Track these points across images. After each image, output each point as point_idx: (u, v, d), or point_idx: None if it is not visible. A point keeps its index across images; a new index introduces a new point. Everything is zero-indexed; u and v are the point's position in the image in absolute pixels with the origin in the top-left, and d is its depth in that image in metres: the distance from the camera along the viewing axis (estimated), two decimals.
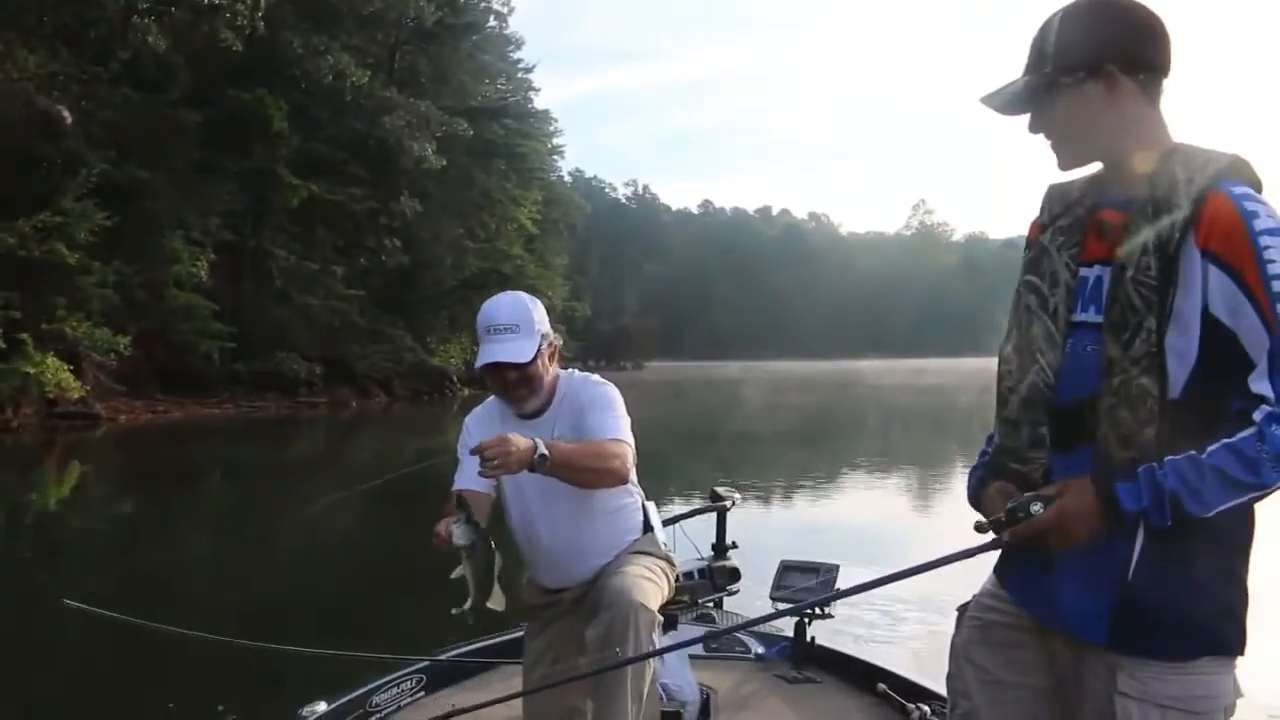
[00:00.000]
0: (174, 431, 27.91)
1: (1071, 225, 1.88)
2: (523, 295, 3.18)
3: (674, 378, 77.71)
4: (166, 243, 31.70)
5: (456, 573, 2.74)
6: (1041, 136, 1.89)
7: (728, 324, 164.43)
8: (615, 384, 3.25)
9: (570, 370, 3.27)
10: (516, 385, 3.06)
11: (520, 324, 3.03)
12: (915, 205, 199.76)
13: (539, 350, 3.05)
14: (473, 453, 2.67)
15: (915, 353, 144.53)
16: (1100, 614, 1.75)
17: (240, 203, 37.04)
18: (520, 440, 2.69)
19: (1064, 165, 1.90)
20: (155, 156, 31.74)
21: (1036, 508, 1.72)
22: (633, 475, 3.24)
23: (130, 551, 10.81)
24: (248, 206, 37.73)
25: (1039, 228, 1.95)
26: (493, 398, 3.27)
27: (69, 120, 27.96)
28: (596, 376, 3.28)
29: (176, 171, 32.88)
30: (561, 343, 3.22)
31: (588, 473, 2.92)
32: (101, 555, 10.63)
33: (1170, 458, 1.62)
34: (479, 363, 3.05)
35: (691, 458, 19.71)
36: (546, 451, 2.71)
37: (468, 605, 2.75)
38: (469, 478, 2.87)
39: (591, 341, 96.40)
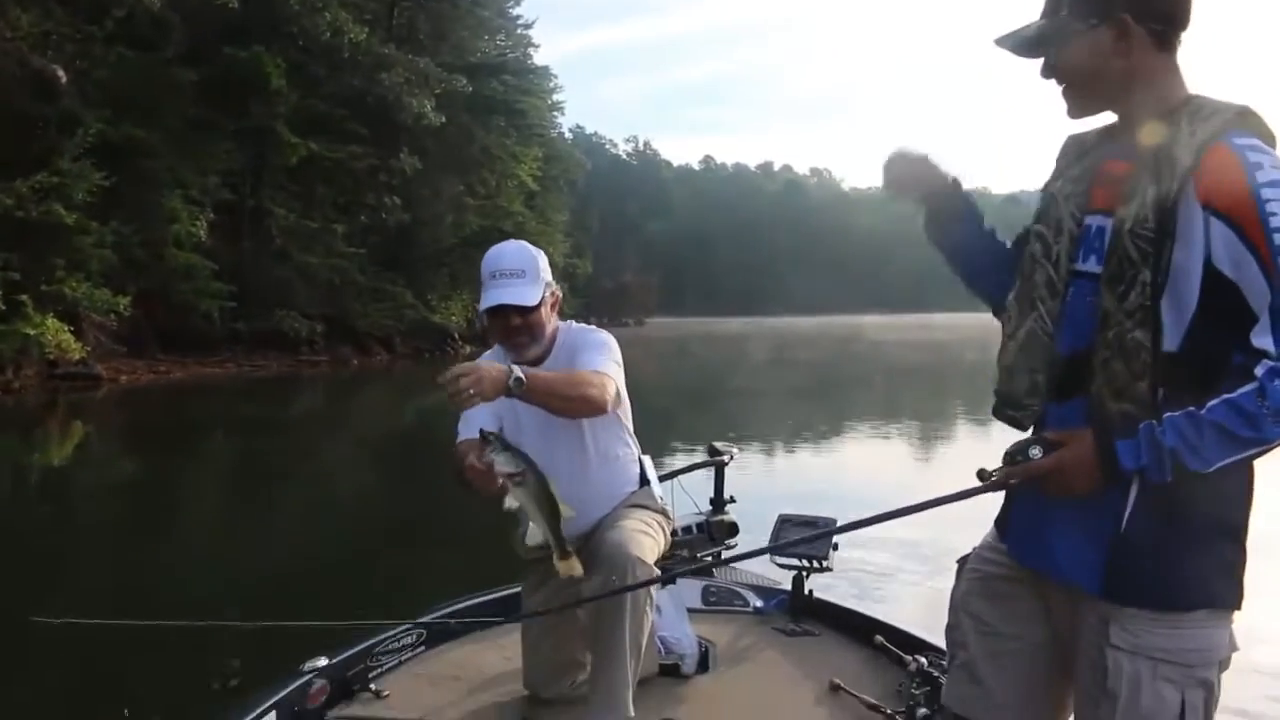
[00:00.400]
0: (176, 391, 27.91)
1: (1081, 175, 1.87)
2: (527, 244, 3.21)
3: (676, 334, 77.81)
4: (165, 202, 31.42)
5: (509, 503, 2.70)
6: (1054, 83, 1.88)
7: (729, 280, 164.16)
8: (618, 340, 3.26)
9: (569, 322, 3.30)
10: (519, 331, 3.08)
11: (525, 269, 3.07)
12: None
13: (542, 298, 3.08)
14: (441, 380, 2.59)
15: (916, 308, 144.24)
16: (1094, 563, 1.76)
17: (238, 161, 36.69)
18: (492, 365, 2.68)
19: (1073, 113, 1.89)
20: (152, 115, 31.38)
21: (1035, 451, 1.73)
22: (629, 426, 3.32)
23: (132, 514, 10.86)
24: (246, 165, 37.39)
25: (1052, 177, 1.95)
26: (491, 351, 3.28)
27: (64, 80, 27.65)
28: (592, 326, 3.32)
29: (173, 130, 32.53)
30: (561, 295, 3.26)
31: (567, 400, 2.87)
32: (103, 518, 10.63)
33: (1169, 414, 1.62)
34: (483, 305, 3.06)
35: (695, 413, 19.83)
36: (522, 375, 2.66)
37: (537, 536, 2.75)
38: (473, 429, 2.84)
39: (593, 298, 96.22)
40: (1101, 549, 1.75)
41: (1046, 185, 1.95)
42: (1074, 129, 1.96)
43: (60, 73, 27.57)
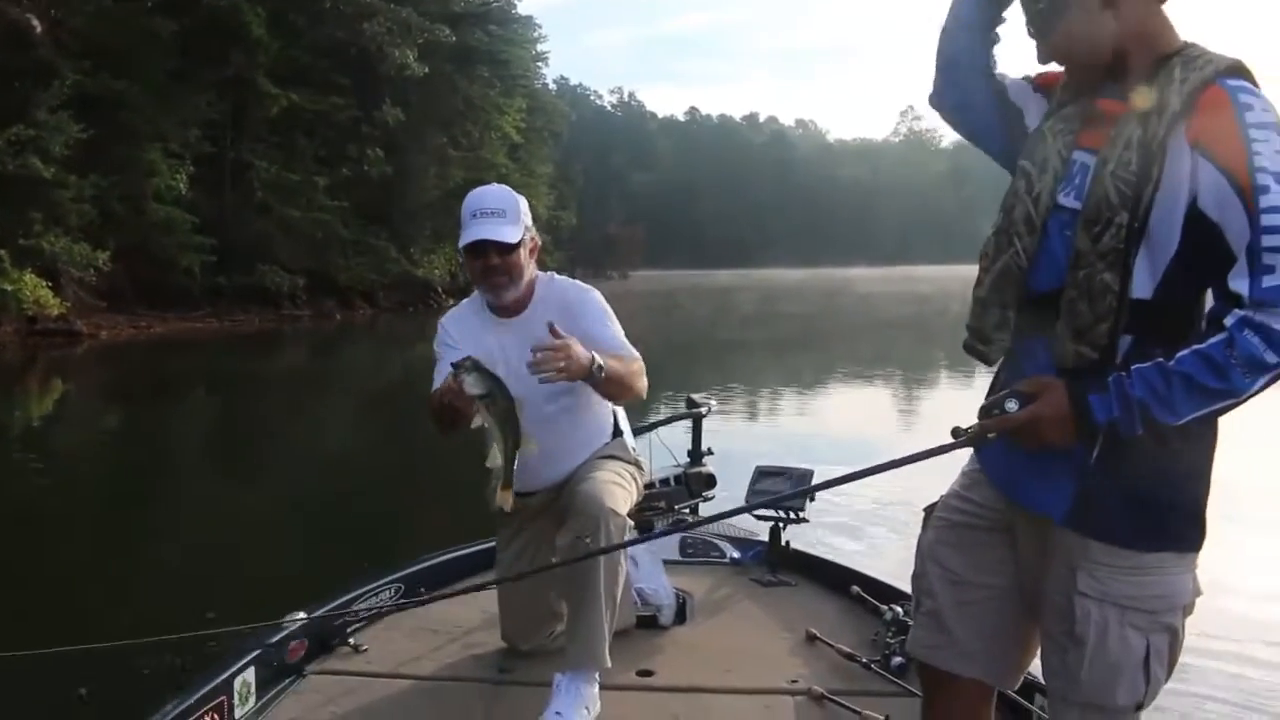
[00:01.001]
0: (157, 346, 27.74)
1: (1074, 113, 1.86)
2: (508, 187, 3.22)
3: (663, 287, 77.73)
4: (144, 155, 31.18)
5: (477, 422, 2.76)
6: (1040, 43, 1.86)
7: (714, 233, 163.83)
8: (604, 294, 3.26)
9: (550, 273, 3.31)
10: (498, 271, 3.07)
11: (506, 210, 3.07)
12: (904, 111, 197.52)
13: (522, 239, 3.09)
14: (534, 360, 2.70)
15: (902, 260, 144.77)
16: (1061, 492, 1.77)
17: (219, 113, 36.37)
18: (580, 349, 2.77)
19: (1081, 86, 1.87)
20: (130, 66, 31.09)
21: (1011, 405, 1.73)
22: None
23: (114, 471, 10.79)
24: (227, 117, 37.02)
25: (1046, 115, 1.93)
26: (468, 301, 3.32)
27: (39, 29, 27.27)
28: (577, 281, 3.32)
29: (153, 82, 32.21)
30: (540, 244, 3.27)
31: (625, 388, 3.01)
32: (84, 476, 10.47)
33: (1137, 366, 1.63)
34: (463, 241, 3.06)
35: (684, 366, 19.84)
36: (603, 363, 2.81)
37: (497, 459, 2.76)
38: (448, 374, 2.85)
39: (577, 250, 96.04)
40: (1071, 481, 1.76)
41: (1040, 122, 1.93)
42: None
43: (35, 22, 27.17)
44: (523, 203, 3.15)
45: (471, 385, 2.65)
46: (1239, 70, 1.67)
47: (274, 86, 37.06)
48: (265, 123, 38.41)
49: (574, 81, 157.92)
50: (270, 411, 15.95)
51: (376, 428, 13.78)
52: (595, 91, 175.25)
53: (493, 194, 3.14)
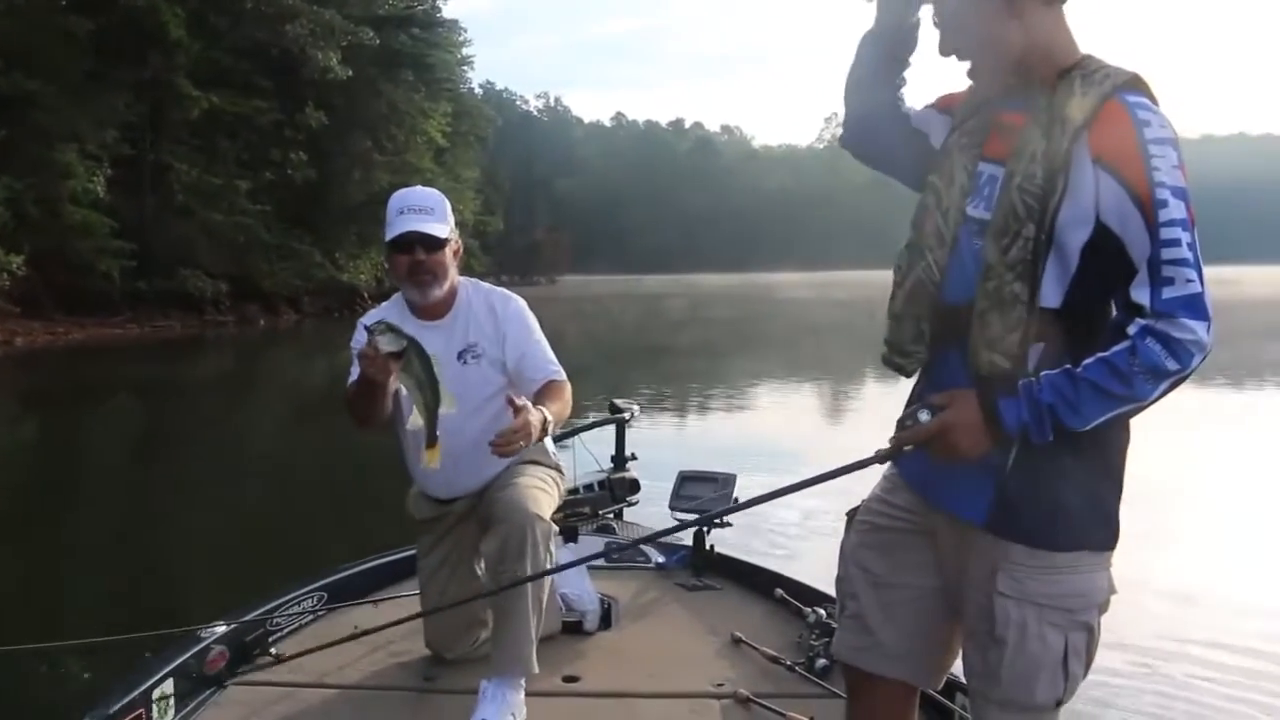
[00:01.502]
0: (75, 353, 27.14)
1: (977, 127, 1.89)
2: (435, 190, 3.26)
3: (591, 293, 77.65)
4: (59, 157, 30.38)
5: (394, 384, 2.79)
6: (954, 59, 1.89)
7: (640, 239, 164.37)
8: (528, 300, 3.30)
9: (473, 280, 3.34)
10: (424, 269, 3.09)
11: (434, 208, 3.12)
12: (828, 118, 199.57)
13: (449, 240, 3.13)
14: (498, 444, 2.77)
15: (827, 265, 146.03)
16: (981, 495, 1.80)
17: (137, 115, 35.58)
18: (535, 417, 2.81)
19: (984, 88, 1.90)
20: (44, 66, 30.27)
21: (924, 416, 1.78)
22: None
23: (28, 482, 10.50)
24: (146, 119, 36.22)
25: (949, 131, 1.96)
26: (389, 303, 3.32)
27: None
28: (500, 288, 3.34)
29: (68, 82, 31.38)
30: (463, 249, 3.29)
31: (561, 418, 3.06)
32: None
33: (1046, 373, 1.67)
34: (389, 235, 3.08)
35: (614, 371, 19.81)
36: (550, 418, 2.89)
37: (419, 422, 2.75)
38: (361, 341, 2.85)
39: (504, 256, 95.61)
40: (989, 486, 1.79)
41: (945, 139, 1.97)
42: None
43: None
44: (448, 204, 3.19)
45: (386, 344, 2.63)
46: (1137, 84, 1.71)
47: (194, 88, 36.32)
48: (186, 125, 37.63)
49: (500, 86, 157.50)
50: (191, 418, 15.64)
51: (299, 434, 13.60)
52: (521, 96, 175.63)
53: (420, 193, 3.18)
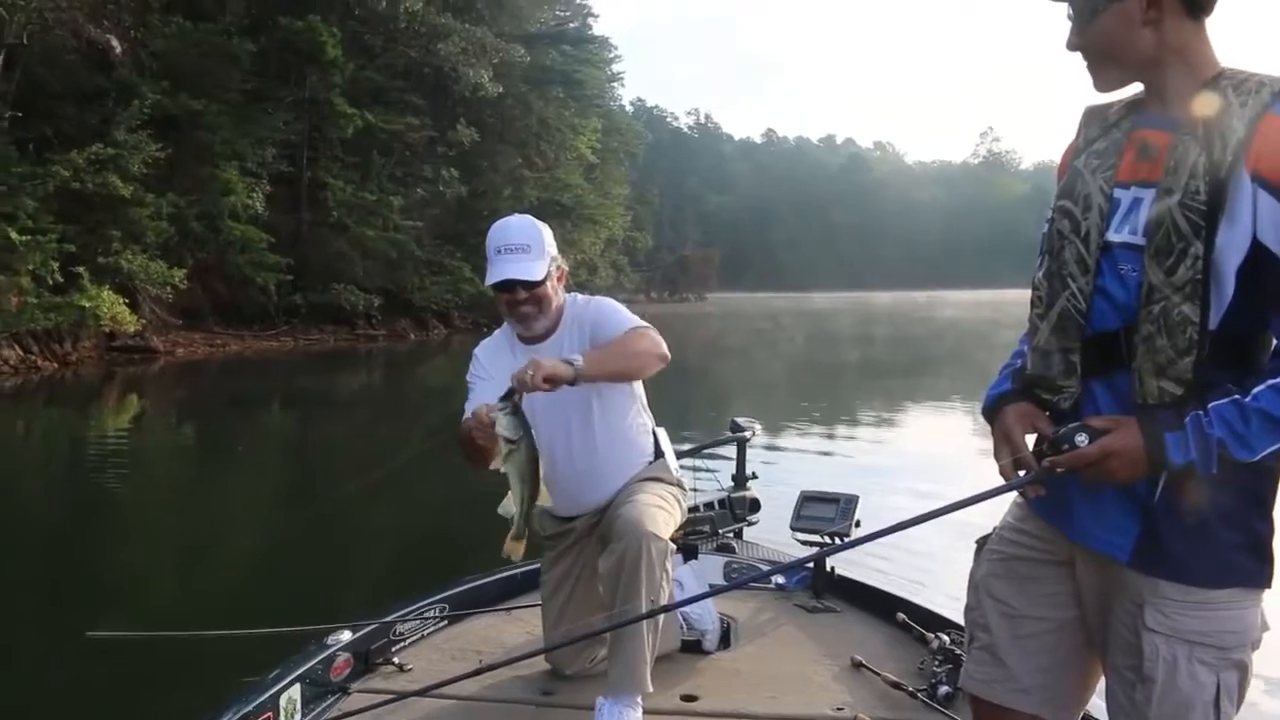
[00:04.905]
0: (232, 365, 27.92)
1: (1108, 148, 1.81)
2: (531, 218, 3.23)
3: (750, 310, 77.70)
4: (221, 174, 31.31)
5: (496, 465, 2.77)
6: (1079, 56, 1.82)
7: (789, 255, 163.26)
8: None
9: (574, 295, 3.34)
10: (525, 305, 3.12)
11: (530, 244, 3.11)
12: (983, 133, 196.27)
13: (548, 272, 3.13)
14: (506, 396, 2.72)
15: (983, 284, 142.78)
16: (1126, 533, 1.73)
17: (296, 133, 36.62)
18: (546, 360, 2.78)
19: (1100, 86, 1.83)
20: (208, 87, 31.34)
21: (1081, 439, 1.68)
22: (642, 399, 3.36)
23: (184, 490, 11.01)
24: (303, 137, 37.26)
25: (1074, 151, 1.90)
26: (500, 329, 3.37)
27: (119, 50, 27.61)
28: (596, 297, 3.35)
29: (230, 102, 32.49)
30: (567, 269, 3.29)
31: (627, 362, 3.04)
32: (155, 494, 10.71)
33: (1215, 404, 1.59)
34: (489, 280, 3.12)
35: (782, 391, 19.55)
36: (579, 359, 2.83)
37: (510, 507, 2.80)
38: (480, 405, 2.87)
39: (653, 272, 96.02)
40: (1135, 521, 1.72)
41: (1068, 159, 1.91)
42: (1097, 100, 1.89)
43: (115, 43, 27.49)
44: (546, 232, 3.18)
45: (505, 427, 2.67)
46: None
47: (349, 106, 37.19)
48: (340, 143, 38.53)
49: (650, 103, 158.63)
50: (339, 430, 16.07)
51: (440, 449, 13.49)
52: (672, 113, 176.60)
53: (515, 228, 3.16)
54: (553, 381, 2.73)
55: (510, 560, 3.01)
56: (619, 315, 3.17)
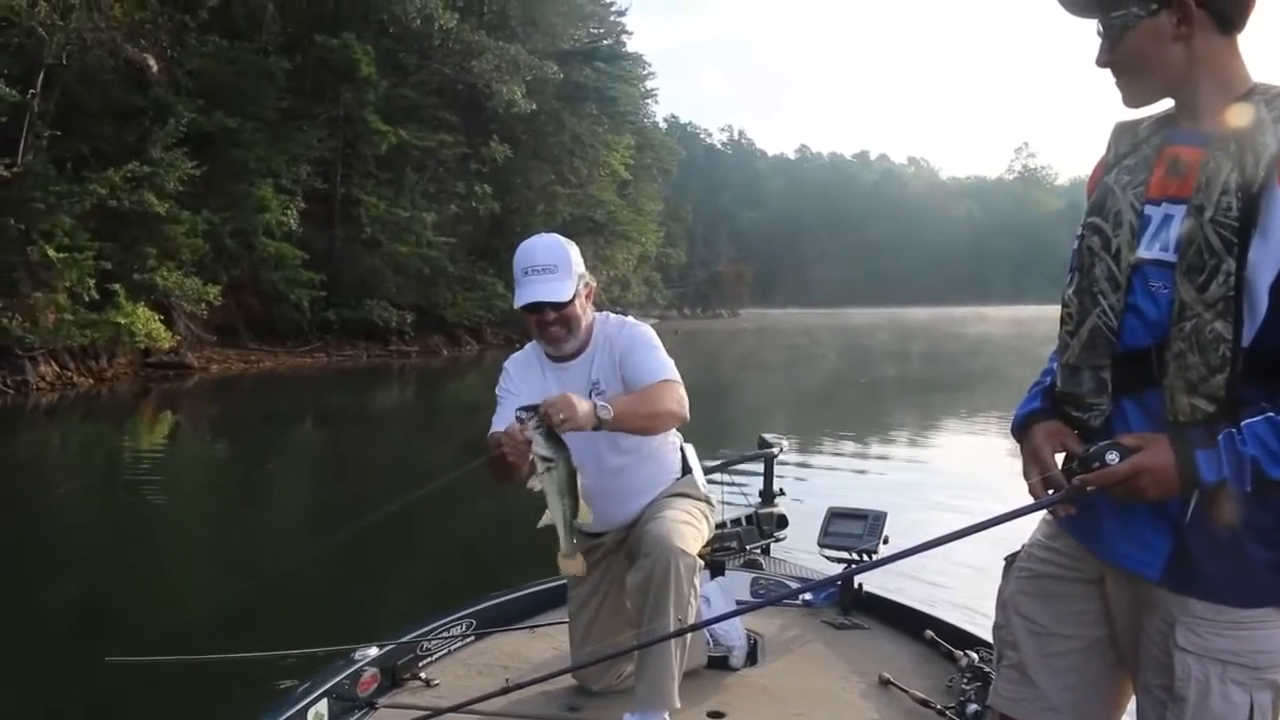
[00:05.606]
0: (266, 381, 28.05)
1: (1138, 164, 1.80)
2: (559, 237, 3.23)
3: (786, 326, 77.62)
4: (256, 191, 31.51)
5: (533, 484, 2.74)
6: (1109, 73, 1.81)
7: (823, 271, 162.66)
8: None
9: (605, 313, 3.35)
10: (554, 325, 3.12)
11: (558, 265, 3.10)
12: (1018, 148, 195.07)
13: (576, 291, 3.12)
14: (532, 414, 2.68)
15: (1017, 300, 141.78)
16: (1156, 551, 1.72)
17: (329, 150, 36.81)
18: (582, 401, 2.74)
19: (1130, 102, 1.82)
20: (244, 105, 31.58)
21: (1112, 456, 1.66)
22: None
23: (217, 504, 11.17)
24: (336, 154, 37.43)
25: (1104, 167, 1.89)
26: (532, 343, 3.36)
27: (155, 69, 27.86)
28: (631, 318, 3.35)
29: (265, 119, 32.73)
30: (595, 287, 3.28)
31: (651, 420, 3.00)
32: (188, 511, 10.76)
33: (1248, 421, 1.57)
34: (518, 303, 3.12)
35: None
36: (608, 410, 2.78)
37: (559, 520, 2.77)
38: (507, 420, 2.89)
39: (686, 288, 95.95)
40: (1165, 539, 1.70)
41: (1098, 175, 1.90)
42: (1126, 115, 1.88)
43: (152, 62, 27.73)
44: (573, 251, 3.17)
45: (540, 449, 2.64)
46: None
47: (383, 123, 37.34)
48: (374, 159, 38.66)
49: (684, 120, 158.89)
50: (372, 446, 16.06)
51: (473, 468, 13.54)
52: (705, 130, 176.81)
53: (543, 248, 3.15)
54: (574, 428, 2.70)
55: (574, 576, 3.07)
56: (651, 357, 3.15)
